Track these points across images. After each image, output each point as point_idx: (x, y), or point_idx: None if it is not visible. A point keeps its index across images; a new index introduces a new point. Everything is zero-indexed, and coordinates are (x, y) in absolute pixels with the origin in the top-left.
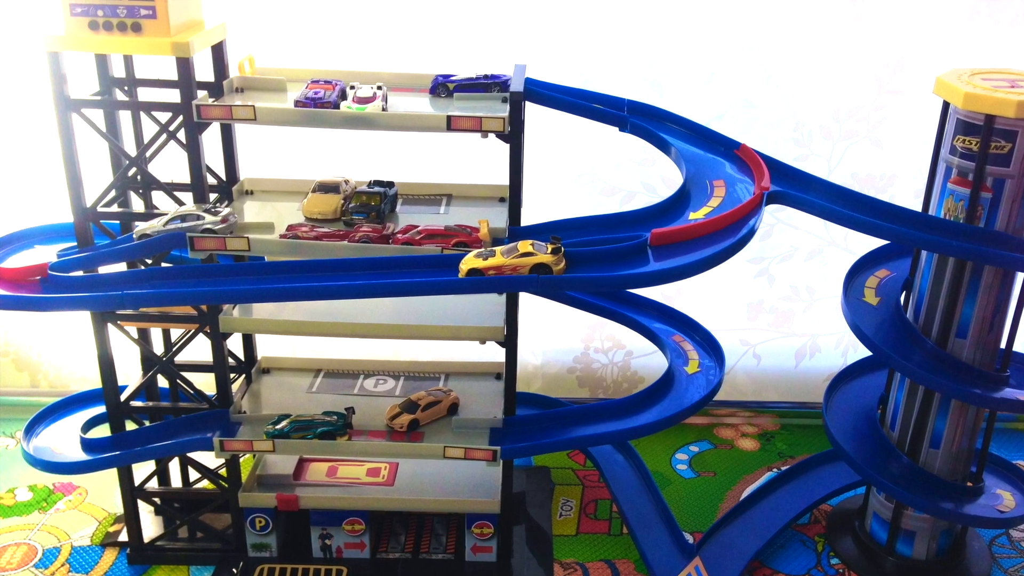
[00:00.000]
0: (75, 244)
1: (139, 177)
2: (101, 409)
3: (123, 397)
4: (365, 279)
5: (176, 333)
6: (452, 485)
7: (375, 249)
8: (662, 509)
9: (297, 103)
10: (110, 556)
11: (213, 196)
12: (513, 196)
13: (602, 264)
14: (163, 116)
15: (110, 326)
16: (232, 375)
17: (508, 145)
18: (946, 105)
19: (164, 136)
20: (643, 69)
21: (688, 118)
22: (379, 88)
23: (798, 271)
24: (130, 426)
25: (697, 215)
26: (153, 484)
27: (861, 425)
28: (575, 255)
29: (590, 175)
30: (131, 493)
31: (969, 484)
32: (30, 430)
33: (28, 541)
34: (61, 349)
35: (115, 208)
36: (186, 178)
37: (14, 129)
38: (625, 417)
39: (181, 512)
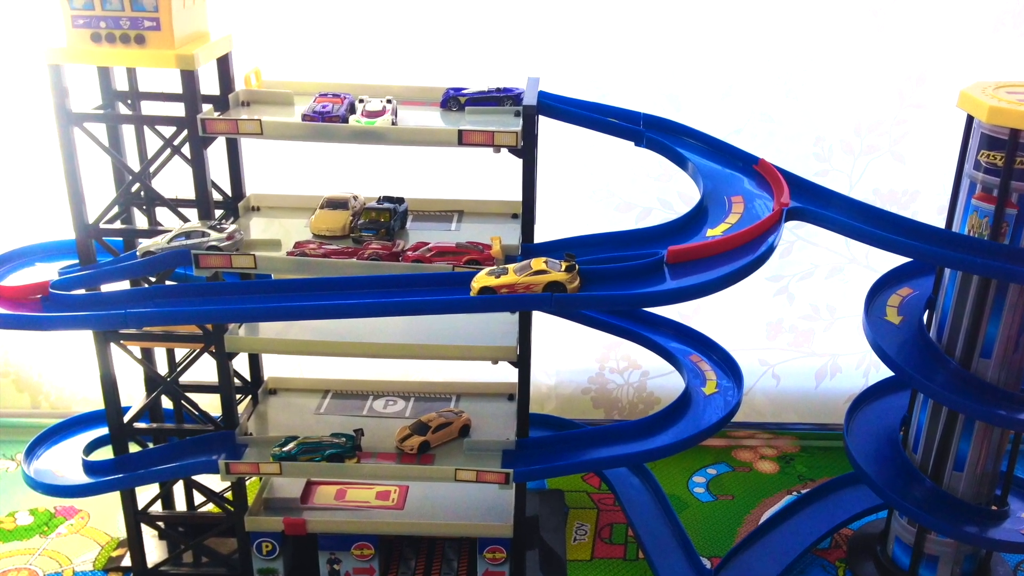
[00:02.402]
0: (77, 262)
1: (143, 193)
2: (104, 431)
3: (126, 418)
4: (374, 297)
5: (180, 353)
6: (463, 509)
7: (385, 267)
8: (679, 533)
9: (304, 117)
10: None
11: (218, 212)
12: (526, 212)
13: (617, 282)
14: (167, 130)
15: (113, 346)
16: (238, 396)
17: (521, 160)
18: (970, 119)
19: (168, 151)
20: (659, 82)
21: (705, 132)
22: (389, 102)
23: (818, 289)
24: (133, 448)
25: (715, 232)
26: (157, 508)
27: (883, 447)
28: (590, 273)
29: (605, 191)
30: (134, 517)
31: (994, 508)
32: (31, 452)
33: (29, 566)
34: (63, 369)
35: (118, 225)
36: (191, 194)
37: (14, 143)
38: (641, 439)
39: (186, 536)
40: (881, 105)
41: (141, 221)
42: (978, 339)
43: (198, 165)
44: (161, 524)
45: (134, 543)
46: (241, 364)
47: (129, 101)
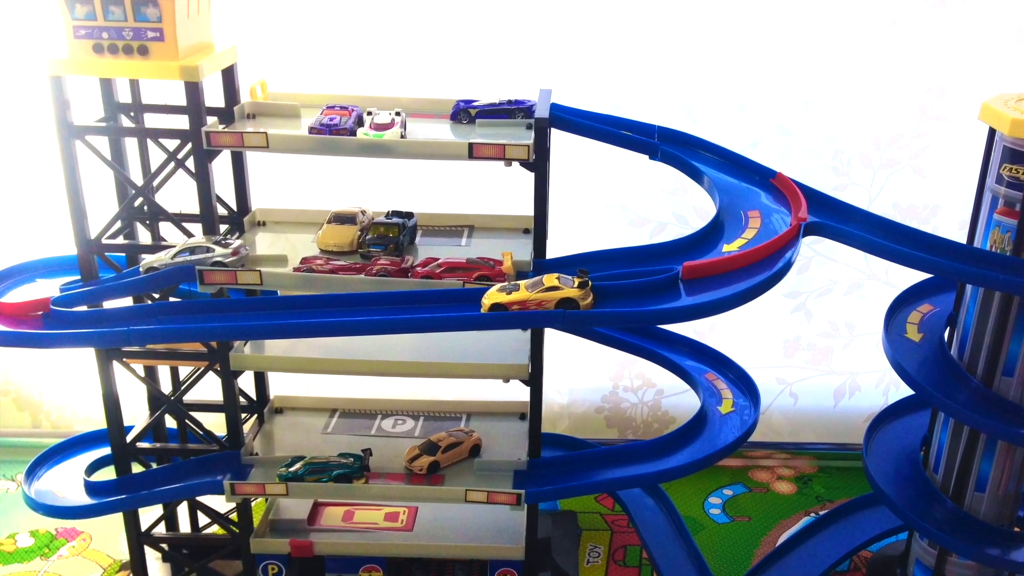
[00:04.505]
0: (79, 278)
1: (146, 207)
2: (106, 451)
3: (129, 438)
4: (383, 314)
5: (185, 371)
6: (474, 530)
7: (393, 283)
8: (694, 556)
9: (311, 130)
10: None
11: (223, 227)
12: (538, 227)
13: (631, 299)
14: (171, 143)
15: (115, 364)
16: (243, 415)
17: (533, 174)
18: (992, 132)
19: (172, 164)
20: (674, 94)
21: (722, 145)
22: (397, 114)
23: (837, 306)
24: (136, 468)
25: (731, 247)
26: (160, 529)
27: (903, 467)
28: (603, 289)
29: (619, 205)
30: (137, 539)
31: (1016, 529)
32: (32, 473)
33: None
34: (64, 388)
35: (120, 240)
36: (195, 208)
37: (15, 157)
38: (655, 459)
39: (190, 559)
40: (901, 118)
41: (144, 236)
42: (1000, 357)
43: (202, 179)
44: (165, 546)
45: (137, 565)
46: (246, 382)
47: (132, 113)
